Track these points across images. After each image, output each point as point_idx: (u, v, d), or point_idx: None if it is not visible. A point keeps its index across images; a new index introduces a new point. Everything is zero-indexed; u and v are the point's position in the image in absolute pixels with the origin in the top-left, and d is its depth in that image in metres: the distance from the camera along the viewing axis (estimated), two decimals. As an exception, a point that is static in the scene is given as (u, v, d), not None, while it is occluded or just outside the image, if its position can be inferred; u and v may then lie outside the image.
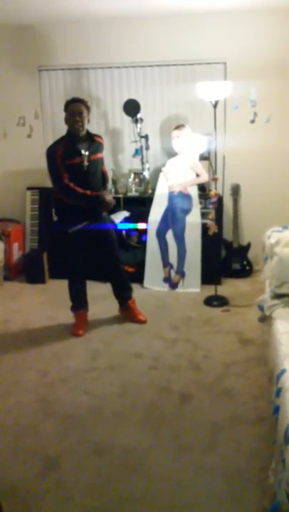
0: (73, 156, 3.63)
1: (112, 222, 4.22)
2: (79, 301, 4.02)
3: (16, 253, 5.30)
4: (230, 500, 2.13)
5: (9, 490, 2.22)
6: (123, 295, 4.10)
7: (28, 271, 5.19)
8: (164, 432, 2.62)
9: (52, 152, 3.66)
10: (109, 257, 3.95)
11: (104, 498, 2.17)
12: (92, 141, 3.75)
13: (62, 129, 5.25)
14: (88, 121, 3.72)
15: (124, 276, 4.12)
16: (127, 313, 4.12)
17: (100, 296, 4.44)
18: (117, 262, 4.02)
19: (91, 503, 2.14)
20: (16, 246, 5.29)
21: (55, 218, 3.93)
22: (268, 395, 2.79)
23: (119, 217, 4.80)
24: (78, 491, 2.22)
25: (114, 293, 4.12)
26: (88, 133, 3.76)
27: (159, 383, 3.12)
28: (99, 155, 3.78)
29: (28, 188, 5.41)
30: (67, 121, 3.68)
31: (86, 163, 3.64)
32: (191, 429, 2.64)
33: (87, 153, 3.65)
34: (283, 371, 2.36)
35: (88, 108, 3.71)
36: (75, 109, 3.63)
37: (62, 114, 5.23)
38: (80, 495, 2.19)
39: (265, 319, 3.28)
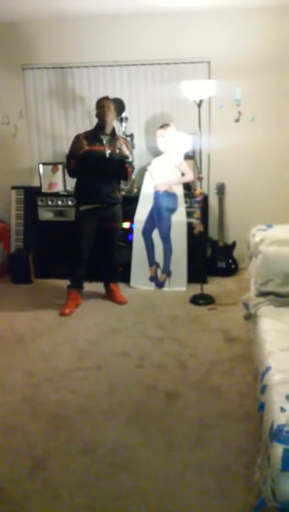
0: (95, 143, 4.13)
1: (120, 214, 4.45)
2: (74, 281, 4.39)
3: (1, 253, 5.27)
4: (217, 497, 2.14)
5: (-4, 490, 2.22)
6: (109, 278, 4.54)
7: (14, 271, 5.16)
8: (151, 430, 2.64)
9: (76, 136, 4.23)
10: (109, 244, 4.39)
11: (92, 496, 2.18)
12: (115, 138, 4.21)
13: (48, 128, 5.29)
14: (115, 117, 4.31)
15: (116, 265, 4.54)
16: (109, 294, 4.52)
17: (87, 296, 4.44)
18: (114, 252, 4.45)
19: (79, 502, 2.14)
20: (0, 246, 5.26)
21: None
22: (254, 392, 2.81)
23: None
24: (66, 490, 2.22)
25: (103, 276, 4.58)
26: (114, 131, 4.24)
27: (146, 382, 3.13)
28: (118, 151, 4.17)
29: (13, 188, 5.39)
30: (97, 115, 4.19)
31: (108, 151, 4.13)
32: (178, 427, 2.66)
33: (110, 143, 4.16)
34: (268, 369, 2.38)
35: (115, 106, 4.26)
36: (104, 103, 4.14)
37: (47, 113, 5.29)
38: (68, 494, 2.19)
39: (251, 317, 3.30)
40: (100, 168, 4.15)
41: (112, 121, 4.20)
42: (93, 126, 4.21)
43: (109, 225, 4.33)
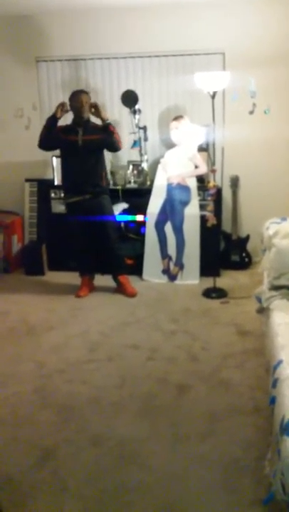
0: (70, 133, 4.21)
1: (109, 205, 4.42)
2: (82, 268, 4.56)
3: (15, 245, 5.30)
4: (226, 490, 2.13)
5: (6, 480, 2.22)
6: (116, 271, 4.49)
7: (27, 263, 5.18)
8: (161, 423, 2.63)
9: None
10: (104, 238, 4.33)
11: (100, 488, 2.18)
12: (91, 126, 4.24)
13: (61, 121, 5.26)
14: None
15: (119, 257, 4.50)
16: (119, 287, 4.48)
17: (98, 289, 4.45)
18: (112, 246, 4.39)
19: (87, 493, 2.14)
20: (14, 238, 5.29)
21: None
22: (265, 386, 2.79)
23: (118, 208, 4.79)
24: (74, 481, 2.22)
25: (110, 270, 4.56)
26: (89, 121, 4.26)
27: (157, 374, 3.12)
28: (94, 136, 4.19)
29: (27, 180, 5.40)
30: (71, 109, 4.22)
31: (80, 141, 4.17)
32: (187, 420, 2.65)
33: (83, 133, 4.19)
34: (280, 362, 2.35)
35: (89, 98, 4.25)
36: (79, 98, 4.16)
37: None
38: (77, 485, 2.20)
39: (263, 311, 3.27)
40: (76, 157, 4.21)
41: (88, 115, 4.22)
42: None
43: (99, 218, 4.30)
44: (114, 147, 4.27)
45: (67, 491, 2.16)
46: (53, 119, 4.19)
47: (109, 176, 4.95)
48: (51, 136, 4.23)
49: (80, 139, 4.18)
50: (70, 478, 2.24)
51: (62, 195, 4.59)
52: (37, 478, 2.24)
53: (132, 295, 4.40)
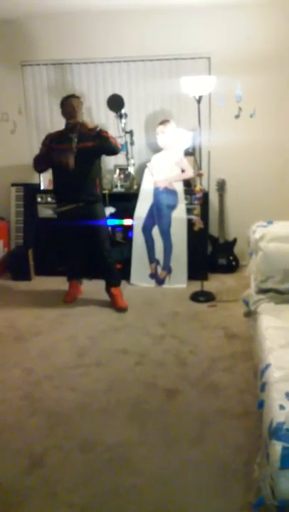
0: (63, 141, 4.05)
1: (102, 213, 4.33)
2: (69, 272, 4.52)
3: (1, 250, 5.26)
4: (217, 494, 2.13)
5: (-6, 488, 2.21)
6: (107, 283, 4.34)
7: (13, 268, 5.15)
8: (150, 427, 2.62)
9: (46, 137, 4.21)
10: (98, 249, 4.22)
11: (90, 494, 2.16)
12: (84, 132, 4.02)
13: (47, 125, 5.26)
14: (82, 114, 4.16)
15: (112, 268, 4.33)
16: (111, 300, 4.32)
17: (87, 293, 4.43)
18: (106, 255, 4.26)
19: (77, 500, 2.13)
20: (0, 243, 5.25)
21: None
22: (254, 389, 2.80)
23: (106, 212, 4.78)
24: (64, 488, 2.21)
25: (105, 282, 4.38)
26: (82, 125, 4.05)
27: (146, 379, 3.12)
28: (88, 144, 4.02)
29: (13, 185, 5.37)
30: (63, 114, 4.13)
31: (75, 150, 4.02)
32: (177, 424, 2.65)
33: (77, 140, 4.03)
34: (268, 366, 2.36)
35: (81, 102, 4.17)
36: (71, 102, 4.07)
37: (46, 110, 5.27)
38: (66, 491, 2.18)
39: (251, 314, 3.28)
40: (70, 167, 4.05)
41: (80, 119, 4.08)
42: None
43: (90, 225, 4.16)
44: (113, 151, 4.09)
45: (57, 498, 2.15)
46: (45, 152, 4.11)
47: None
48: (46, 161, 4.13)
49: (75, 147, 4.04)
50: (59, 485, 2.22)
51: (55, 203, 4.42)
52: (26, 485, 2.22)
53: (122, 309, 4.21)
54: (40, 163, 4.17)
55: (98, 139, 3.99)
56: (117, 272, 4.38)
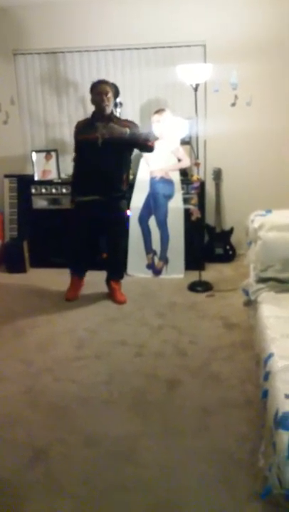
0: (89, 132, 3.88)
1: (125, 207, 4.27)
2: (74, 267, 4.29)
3: (-4, 242, 5.22)
4: (223, 484, 2.13)
5: (-2, 481, 2.19)
6: (109, 275, 4.29)
7: (8, 260, 5.10)
8: (153, 419, 2.61)
9: (75, 127, 4.09)
10: (112, 241, 4.20)
11: (95, 487, 2.15)
12: (113, 123, 3.88)
13: (40, 115, 5.20)
14: (114, 104, 4.05)
15: (119, 263, 4.35)
16: (110, 292, 4.28)
17: (87, 285, 4.39)
18: (118, 249, 4.26)
19: (82, 493, 2.12)
20: (-5, 235, 5.20)
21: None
22: (255, 379, 2.80)
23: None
24: (68, 481, 2.19)
25: (106, 274, 4.33)
26: (112, 115, 3.94)
27: (146, 370, 3.11)
28: (116, 136, 3.85)
29: (6, 176, 5.30)
30: (93, 101, 3.90)
31: (100, 140, 3.82)
32: (180, 415, 2.64)
33: (104, 130, 3.85)
34: (271, 355, 2.36)
35: (114, 90, 3.99)
36: (102, 89, 3.83)
37: (40, 100, 5.20)
38: (70, 485, 2.17)
39: (250, 303, 3.28)
40: (94, 158, 3.88)
41: (111, 108, 3.92)
42: (87, 112, 4.14)
43: (109, 218, 4.06)
44: (146, 150, 4.08)
45: (61, 491, 2.14)
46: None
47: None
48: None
49: (100, 137, 3.83)
50: (63, 478, 2.21)
51: (70, 191, 4.26)
52: (30, 479, 2.21)
53: (120, 303, 4.15)
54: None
55: (124, 150, 3.93)
56: (121, 266, 4.39)
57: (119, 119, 4.07)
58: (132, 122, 4.02)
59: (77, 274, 4.29)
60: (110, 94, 3.86)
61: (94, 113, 3.96)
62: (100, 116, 3.89)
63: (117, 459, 2.32)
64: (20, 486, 2.17)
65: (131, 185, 4.78)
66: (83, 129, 3.97)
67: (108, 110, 3.87)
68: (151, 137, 4.06)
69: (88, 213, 4.01)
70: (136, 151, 4.19)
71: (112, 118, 3.93)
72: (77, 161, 4.07)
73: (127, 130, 3.88)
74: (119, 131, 3.86)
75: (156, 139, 4.11)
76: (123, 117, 4.72)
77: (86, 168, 3.97)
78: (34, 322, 3.87)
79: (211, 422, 2.55)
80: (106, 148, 3.84)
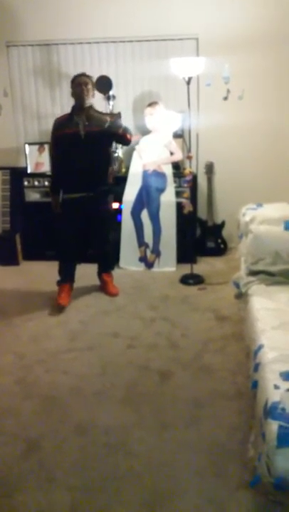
0: (68, 126, 3.81)
1: (111, 200, 4.22)
2: (65, 275, 4.11)
3: (-12, 235, 5.20)
4: (213, 474, 2.16)
5: (-8, 472, 2.22)
6: (100, 268, 4.29)
7: (1, 252, 5.09)
8: (145, 410, 2.65)
9: (53, 124, 3.97)
10: (99, 235, 4.12)
11: (87, 476, 2.18)
12: (93, 116, 3.82)
13: (33, 107, 5.17)
14: (93, 96, 3.86)
15: (109, 255, 4.30)
16: (102, 285, 4.28)
17: (78, 277, 4.40)
18: (106, 242, 4.19)
19: (75, 483, 2.15)
20: (-13, 228, 5.19)
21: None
22: (246, 371, 2.84)
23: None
24: (61, 471, 2.22)
25: (97, 267, 4.31)
26: (91, 107, 3.85)
27: (138, 362, 3.14)
28: (97, 129, 3.78)
29: (-1, 168, 5.29)
30: (73, 93, 3.83)
31: (82, 133, 3.74)
32: (171, 406, 2.67)
33: (86, 123, 3.77)
34: (260, 347, 2.40)
35: (93, 82, 3.88)
36: (81, 81, 3.78)
37: (33, 92, 5.17)
38: (64, 475, 2.20)
39: (241, 296, 3.32)
40: (78, 153, 3.78)
41: (91, 101, 3.83)
42: (63, 104, 4.09)
43: (96, 212, 3.97)
44: (124, 143, 4.10)
45: (54, 481, 2.16)
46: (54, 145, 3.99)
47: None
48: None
49: (82, 130, 3.74)
50: (56, 469, 2.24)
51: (54, 194, 4.06)
52: (23, 470, 2.24)
53: (113, 295, 4.16)
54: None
55: (107, 143, 3.91)
56: (112, 259, 4.37)
57: (98, 111, 3.96)
58: (112, 114, 4.01)
59: (66, 282, 4.10)
60: (90, 86, 3.79)
61: (73, 107, 3.88)
62: (80, 109, 3.80)
63: (110, 450, 2.35)
64: (15, 476, 2.20)
65: (124, 178, 4.80)
66: (62, 124, 3.86)
67: (88, 102, 3.79)
68: (129, 131, 3.99)
69: (77, 211, 3.92)
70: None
71: (91, 110, 3.85)
72: (58, 158, 3.96)
73: (107, 119, 3.86)
74: (100, 123, 3.80)
75: (132, 135, 4.05)
76: (116, 110, 4.74)
77: (69, 164, 3.85)
78: (26, 315, 3.88)
79: (202, 413, 2.59)
80: (89, 142, 3.76)
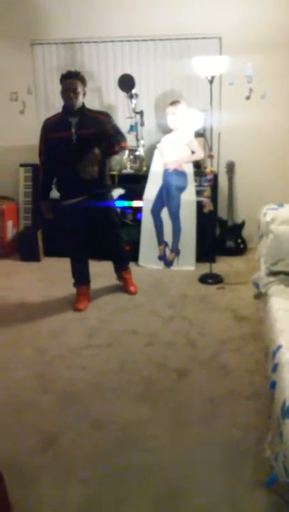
0: (61, 129, 3.65)
1: (111, 198, 4.13)
2: (79, 277, 4.08)
3: (10, 231, 5.28)
4: (228, 473, 2.17)
5: (10, 464, 2.24)
6: (118, 266, 4.27)
7: (23, 249, 5.17)
8: (161, 407, 2.66)
9: (42, 126, 3.82)
10: (109, 233, 4.07)
11: (103, 471, 2.21)
12: (86, 116, 3.68)
13: (56, 105, 5.20)
14: (84, 94, 3.67)
15: (123, 252, 4.23)
16: (122, 283, 4.28)
17: (96, 275, 4.44)
18: (117, 239, 4.14)
19: (90, 477, 2.18)
20: (10, 224, 5.26)
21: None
22: (263, 370, 2.84)
23: (114, 194, 4.77)
24: (77, 465, 2.25)
25: (113, 264, 4.29)
26: (83, 108, 3.69)
27: (156, 359, 3.15)
28: (91, 130, 3.63)
29: (22, 165, 5.36)
30: (62, 96, 3.66)
31: (74, 137, 3.61)
32: (188, 404, 2.69)
33: (79, 124, 3.63)
34: (279, 347, 2.39)
35: (83, 81, 3.66)
36: (70, 85, 3.58)
37: (56, 90, 5.20)
38: (80, 468, 2.23)
39: (261, 296, 3.31)
40: (70, 157, 3.61)
41: (82, 101, 3.64)
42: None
43: (100, 212, 3.88)
44: (115, 152, 3.86)
45: (70, 475, 2.20)
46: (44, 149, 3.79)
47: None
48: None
49: (74, 133, 3.60)
50: (73, 462, 2.27)
51: (44, 201, 3.99)
52: (41, 462, 2.27)
53: (132, 293, 4.17)
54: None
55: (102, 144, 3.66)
56: (126, 254, 4.28)
57: (92, 110, 3.78)
58: (105, 114, 3.83)
59: (84, 284, 4.09)
60: (79, 89, 3.58)
61: (64, 107, 3.71)
62: (72, 111, 3.64)
63: (125, 445, 2.37)
64: (33, 468, 2.24)
65: (144, 177, 4.82)
66: (53, 126, 3.70)
67: (78, 104, 3.62)
68: (123, 137, 3.81)
69: (80, 215, 3.83)
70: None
71: (84, 111, 3.69)
72: (47, 162, 3.81)
73: (102, 118, 3.71)
74: (94, 123, 3.65)
75: (125, 140, 3.86)
76: (138, 109, 4.76)
77: (62, 170, 3.74)
78: (47, 310, 3.93)
79: (218, 412, 2.60)
80: (81, 145, 3.60)
